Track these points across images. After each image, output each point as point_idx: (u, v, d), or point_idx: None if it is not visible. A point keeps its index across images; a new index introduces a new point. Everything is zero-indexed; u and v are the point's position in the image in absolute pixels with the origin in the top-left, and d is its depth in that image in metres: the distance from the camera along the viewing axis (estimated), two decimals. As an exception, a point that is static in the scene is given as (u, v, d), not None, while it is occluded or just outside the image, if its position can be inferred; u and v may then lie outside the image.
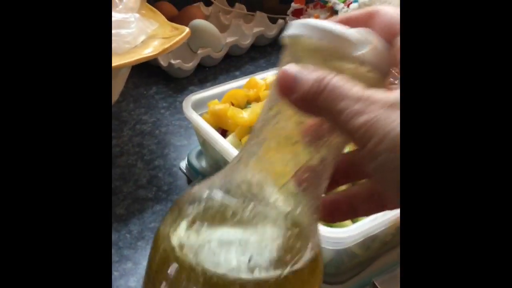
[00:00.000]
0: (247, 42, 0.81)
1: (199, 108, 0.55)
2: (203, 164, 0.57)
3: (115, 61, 0.48)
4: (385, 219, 0.40)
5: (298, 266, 0.22)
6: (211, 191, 0.24)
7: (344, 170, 0.25)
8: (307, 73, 0.20)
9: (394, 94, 0.19)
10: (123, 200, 0.54)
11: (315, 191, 0.23)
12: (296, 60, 0.21)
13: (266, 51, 0.85)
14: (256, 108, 0.52)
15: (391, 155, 0.18)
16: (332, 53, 0.21)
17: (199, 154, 0.59)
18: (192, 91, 0.72)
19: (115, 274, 0.46)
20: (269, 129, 0.23)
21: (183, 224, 0.23)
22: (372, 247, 0.44)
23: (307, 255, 0.23)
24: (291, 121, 0.22)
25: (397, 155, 0.18)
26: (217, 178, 0.24)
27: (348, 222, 0.42)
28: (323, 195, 0.24)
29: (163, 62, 0.74)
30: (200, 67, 0.78)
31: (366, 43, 0.21)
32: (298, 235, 0.23)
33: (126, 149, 0.62)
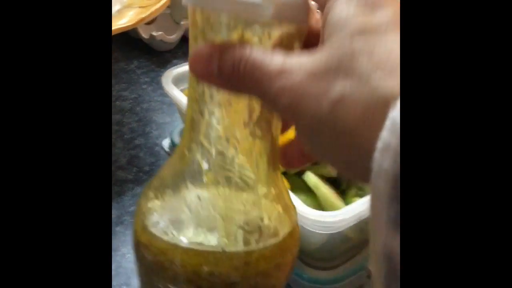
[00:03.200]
0: (234, 12, 0.77)
1: (182, 83, 0.52)
2: (186, 142, 0.54)
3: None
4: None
5: (274, 229, 0.23)
6: (173, 176, 0.24)
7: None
8: (221, 53, 0.19)
9: (313, 58, 0.18)
10: (101, 182, 0.51)
11: (271, 139, 0.23)
12: (203, 31, 0.20)
13: (254, 22, 0.81)
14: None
15: (323, 131, 0.17)
16: (237, 22, 0.20)
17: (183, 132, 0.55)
18: (176, 65, 0.68)
19: (91, 262, 0.43)
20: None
21: (152, 211, 0.24)
22: (365, 230, 0.41)
23: (281, 216, 0.23)
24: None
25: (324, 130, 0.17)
26: (168, 168, 0.25)
27: (340, 204, 0.39)
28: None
29: (144, 34, 0.70)
30: (185, 39, 0.73)
31: (268, 2, 0.19)
32: (265, 196, 0.23)
33: (105, 127, 0.58)
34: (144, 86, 0.65)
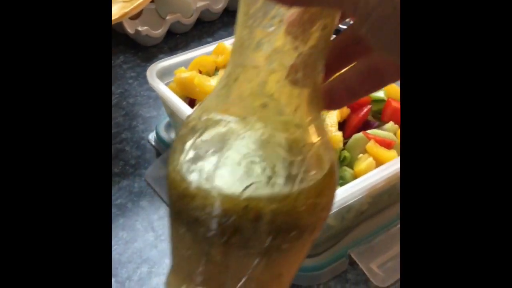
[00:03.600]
0: (219, 6, 0.77)
1: (167, 77, 0.52)
2: (172, 136, 0.54)
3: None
4: (360, 188, 0.39)
5: (316, 170, 0.22)
6: (208, 115, 0.23)
7: (336, 57, 0.24)
8: None
9: None
10: (88, 176, 0.51)
11: (312, 85, 0.23)
12: None
13: (239, 16, 0.81)
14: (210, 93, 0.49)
15: (385, 10, 0.17)
16: None
17: (168, 126, 0.56)
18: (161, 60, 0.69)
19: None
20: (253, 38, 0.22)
21: (191, 155, 0.23)
22: (347, 217, 0.42)
23: (323, 156, 0.23)
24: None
25: (391, 9, 0.17)
26: (209, 102, 0.23)
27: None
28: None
29: (129, 29, 0.70)
30: (171, 34, 0.74)
31: None
32: (305, 136, 0.23)
33: (91, 122, 0.59)
34: (130, 81, 0.66)
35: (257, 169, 0.22)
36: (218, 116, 0.23)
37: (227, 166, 0.22)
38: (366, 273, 0.41)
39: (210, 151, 0.22)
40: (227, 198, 0.21)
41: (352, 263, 0.43)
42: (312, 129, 0.23)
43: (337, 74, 0.25)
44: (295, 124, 0.23)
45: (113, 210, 0.47)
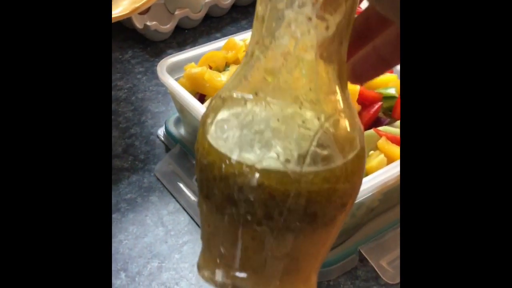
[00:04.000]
0: (227, 1, 0.77)
1: (176, 72, 0.52)
2: (181, 131, 0.54)
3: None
4: (371, 185, 0.39)
5: (341, 148, 0.22)
6: (235, 91, 0.23)
7: (363, 30, 0.24)
8: None
9: None
10: (98, 170, 0.51)
11: (338, 61, 0.23)
12: None
13: (248, 11, 0.81)
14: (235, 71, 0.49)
15: None
16: None
17: (178, 121, 0.56)
18: (170, 55, 0.69)
19: (89, 248, 0.44)
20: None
21: (216, 128, 0.23)
22: (357, 214, 0.42)
23: (352, 134, 0.23)
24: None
25: None
26: (236, 79, 0.24)
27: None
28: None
29: (138, 24, 0.70)
30: (179, 29, 0.74)
31: None
32: (332, 113, 0.22)
33: (100, 117, 0.59)
34: (139, 76, 0.66)
35: (279, 145, 0.21)
36: (244, 94, 0.23)
37: (251, 140, 0.22)
38: (376, 269, 0.41)
39: (235, 126, 0.22)
40: (250, 171, 0.21)
41: (362, 260, 0.43)
42: (338, 105, 0.23)
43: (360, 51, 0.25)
44: (321, 101, 0.22)
45: (123, 205, 0.48)
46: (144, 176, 0.51)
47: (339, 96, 0.23)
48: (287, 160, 0.21)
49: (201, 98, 0.50)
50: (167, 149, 0.54)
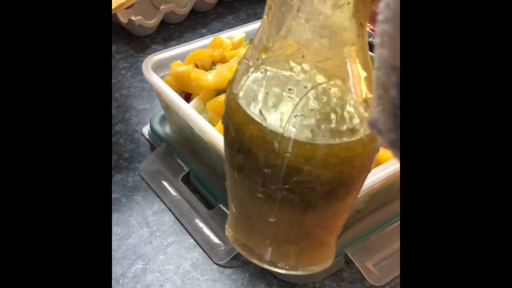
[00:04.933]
0: (213, -3, 0.76)
1: (162, 70, 0.51)
2: (166, 129, 0.54)
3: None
4: (358, 188, 0.38)
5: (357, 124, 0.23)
6: (265, 54, 0.24)
7: None
8: None
9: None
10: (81, 169, 0.50)
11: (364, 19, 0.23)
12: None
13: (234, 7, 0.80)
14: (221, 70, 0.48)
15: None
16: None
17: (163, 119, 0.55)
18: (155, 50, 0.68)
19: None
20: None
21: (244, 90, 0.24)
22: (344, 216, 0.42)
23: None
24: None
25: None
26: (266, 41, 0.24)
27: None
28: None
29: (122, 19, 0.69)
30: (164, 24, 0.73)
31: None
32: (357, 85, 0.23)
33: (84, 114, 0.58)
34: (123, 72, 0.65)
35: (304, 111, 0.22)
36: (272, 57, 0.23)
37: (275, 105, 0.23)
38: (362, 271, 0.41)
39: (262, 89, 0.23)
40: (274, 136, 0.22)
41: (348, 262, 0.43)
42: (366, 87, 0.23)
43: None
44: (355, 83, 0.23)
45: (107, 205, 0.47)
46: (129, 175, 0.50)
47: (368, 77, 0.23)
48: (308, 126, 0.22)
49: (187, 97, 0.50)
50: (152, 148, 0.54)
